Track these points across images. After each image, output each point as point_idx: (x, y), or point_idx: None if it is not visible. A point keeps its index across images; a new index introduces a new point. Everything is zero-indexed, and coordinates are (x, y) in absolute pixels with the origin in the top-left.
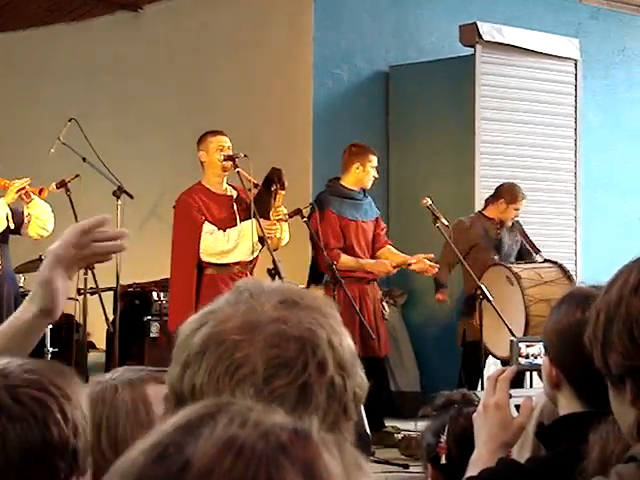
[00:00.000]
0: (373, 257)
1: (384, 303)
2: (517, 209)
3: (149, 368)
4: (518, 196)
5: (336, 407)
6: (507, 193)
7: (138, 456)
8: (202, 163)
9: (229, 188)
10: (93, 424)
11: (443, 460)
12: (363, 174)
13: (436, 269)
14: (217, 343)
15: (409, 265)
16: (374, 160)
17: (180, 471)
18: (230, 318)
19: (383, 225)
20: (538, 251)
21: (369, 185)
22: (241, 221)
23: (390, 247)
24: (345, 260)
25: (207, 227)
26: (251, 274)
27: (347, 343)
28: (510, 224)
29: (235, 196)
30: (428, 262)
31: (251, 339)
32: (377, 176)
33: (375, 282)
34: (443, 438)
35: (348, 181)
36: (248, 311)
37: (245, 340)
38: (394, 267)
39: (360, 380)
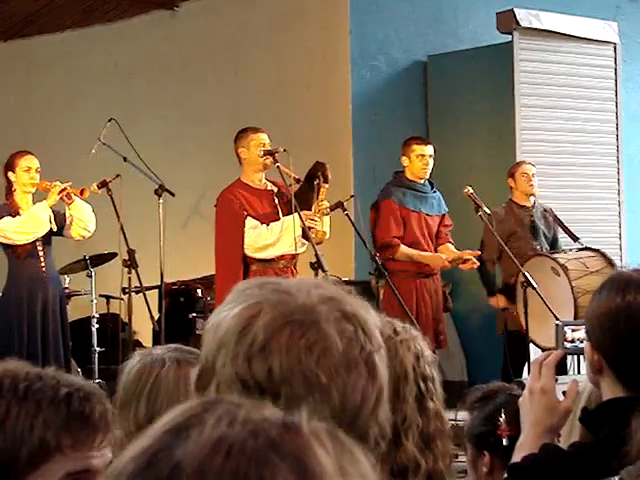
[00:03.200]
0: (435, 252)
1: (448, 296)
2: (525, 173)
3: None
4: (517, 165)
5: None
6: (511, 170)
7: (128, 463)
8: (241, 159)
9: (269, 183)
10: (134, 393)
11: (505, 442)
12: (411, 165)
13: (476, 265)
14: (281, 326)
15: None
16: (418, 149)
17: (170, 476)
18: (279, 304)
19: (448, 222)
20: (577, 238)
21: (422, 174)
22: (284, 215)
23: (449, 245)
24: (403, 250)
25: (250, 222)
26: (295, 269)
27: (376, 319)
28: (533, 203)
29: (276, 190)
30: (473, 259)
31: (314, 319)
32: (426, 164)
33: (436, 275)
34: (502, 419)
35: (408, 173)
36: (289, 297)
37: (308, 320)
38: (450, 262)
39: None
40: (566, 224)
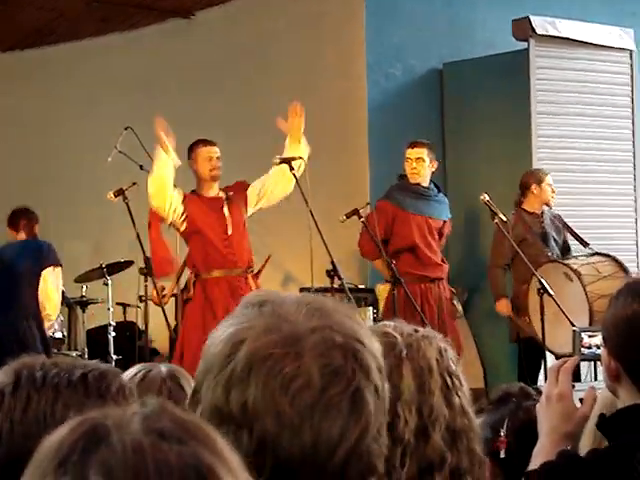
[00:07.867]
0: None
1: (455, 302)
2: (550, 184)
3: None
4: (542, 174)
5: (383, 410)
6: (532, 177)
7: None
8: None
9: (221, 193)
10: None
11: (502, 454)
12: (406, 169)
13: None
14: (263, 358)
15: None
16: (406, 153)
17: None
18: (268, 332)
19: (447, 231)
20: (587, 244)
21: (412, 178)
22: (231, 218)
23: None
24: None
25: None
26: (253, 279)
27: (377, 346)
28: (549, 211)
29: (225, 197)
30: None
31: (299, 351)
32: (412, 167)
33: (442, 281)
34: (502, 432)
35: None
36: (283, 323)
37: (292, 353)
38: None
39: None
40: (582, 231)
